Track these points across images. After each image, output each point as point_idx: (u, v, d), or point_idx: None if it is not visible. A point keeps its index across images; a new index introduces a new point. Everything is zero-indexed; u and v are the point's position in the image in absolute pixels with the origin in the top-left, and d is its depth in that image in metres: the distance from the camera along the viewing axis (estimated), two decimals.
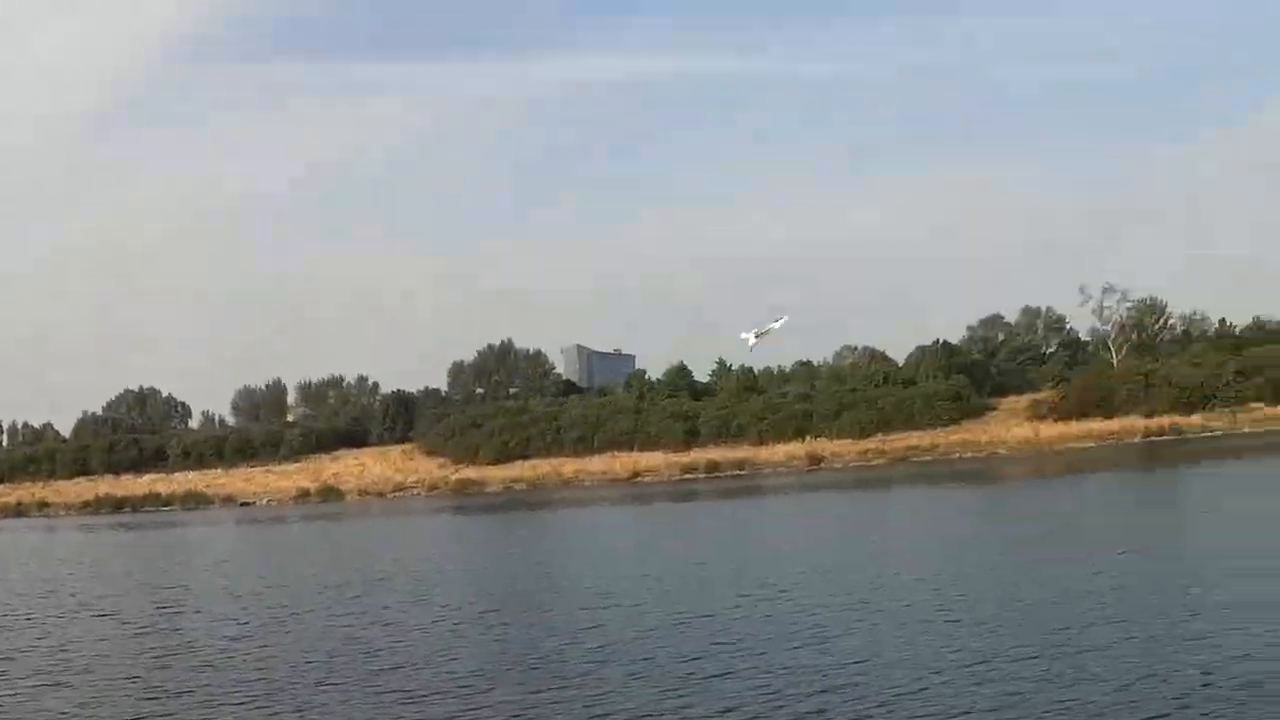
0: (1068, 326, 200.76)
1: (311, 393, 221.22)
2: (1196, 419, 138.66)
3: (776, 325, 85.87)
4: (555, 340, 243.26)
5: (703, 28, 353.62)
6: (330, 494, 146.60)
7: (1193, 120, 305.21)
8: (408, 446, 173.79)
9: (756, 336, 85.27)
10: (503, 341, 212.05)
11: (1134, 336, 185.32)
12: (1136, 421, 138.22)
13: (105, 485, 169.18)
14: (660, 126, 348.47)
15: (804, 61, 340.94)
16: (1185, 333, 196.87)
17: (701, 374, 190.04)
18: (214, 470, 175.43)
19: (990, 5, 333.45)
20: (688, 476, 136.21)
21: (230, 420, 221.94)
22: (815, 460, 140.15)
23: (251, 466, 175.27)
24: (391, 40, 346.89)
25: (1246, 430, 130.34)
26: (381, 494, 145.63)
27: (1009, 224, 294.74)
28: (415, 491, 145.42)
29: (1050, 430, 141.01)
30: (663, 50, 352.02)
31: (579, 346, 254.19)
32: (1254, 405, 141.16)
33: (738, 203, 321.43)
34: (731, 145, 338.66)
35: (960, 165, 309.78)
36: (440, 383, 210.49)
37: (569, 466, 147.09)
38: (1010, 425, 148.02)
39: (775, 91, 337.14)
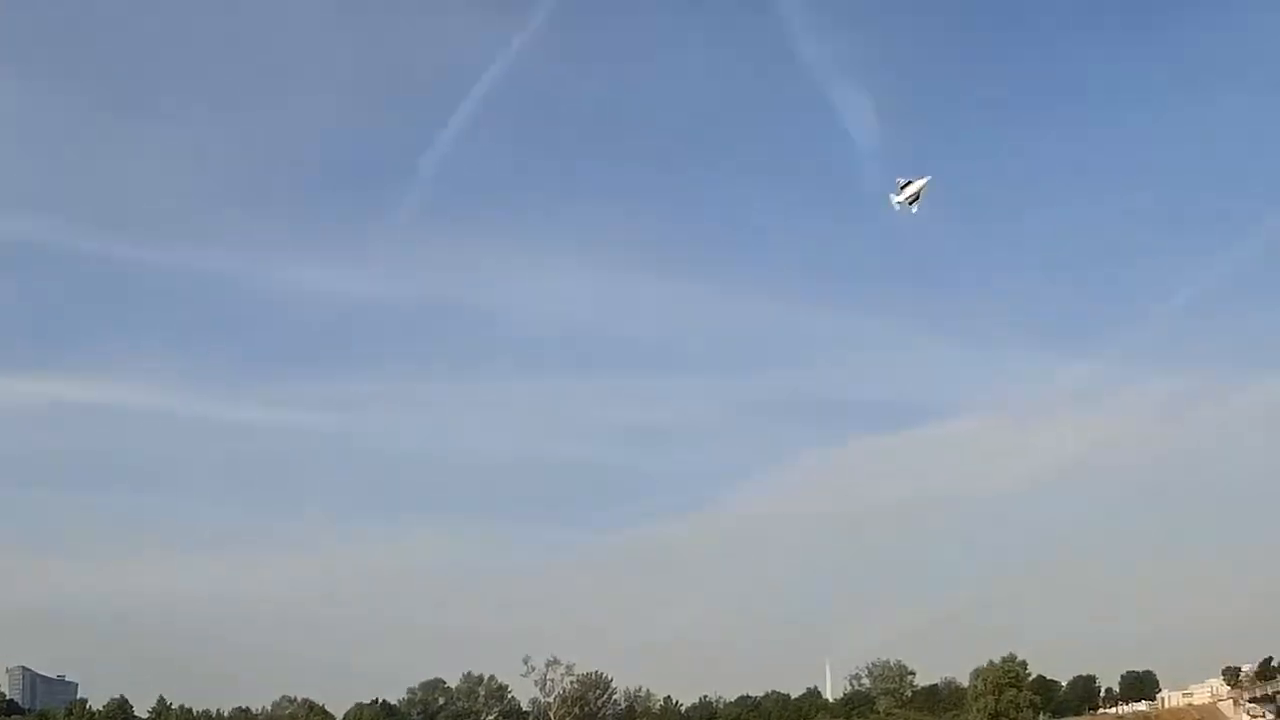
0: (509, 695, 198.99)
1: None
2: None
3: (922, 182, 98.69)
4: (1, 659, 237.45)
5: None
6: None
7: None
8: None
9: (904, 195, 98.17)
10: None
11: (576, 709, 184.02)
12: None
13: None
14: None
15: None
16: (630, 708, 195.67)
17: (143, 709, 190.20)
18: None
19: None
20: None
21: None
22: None
23: None
24: None
25: None
26: None
27: (446, 586, 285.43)
28: None
29: None
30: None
31: (24, 668, 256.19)
32: None
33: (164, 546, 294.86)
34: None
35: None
36: None
37: None
38: None
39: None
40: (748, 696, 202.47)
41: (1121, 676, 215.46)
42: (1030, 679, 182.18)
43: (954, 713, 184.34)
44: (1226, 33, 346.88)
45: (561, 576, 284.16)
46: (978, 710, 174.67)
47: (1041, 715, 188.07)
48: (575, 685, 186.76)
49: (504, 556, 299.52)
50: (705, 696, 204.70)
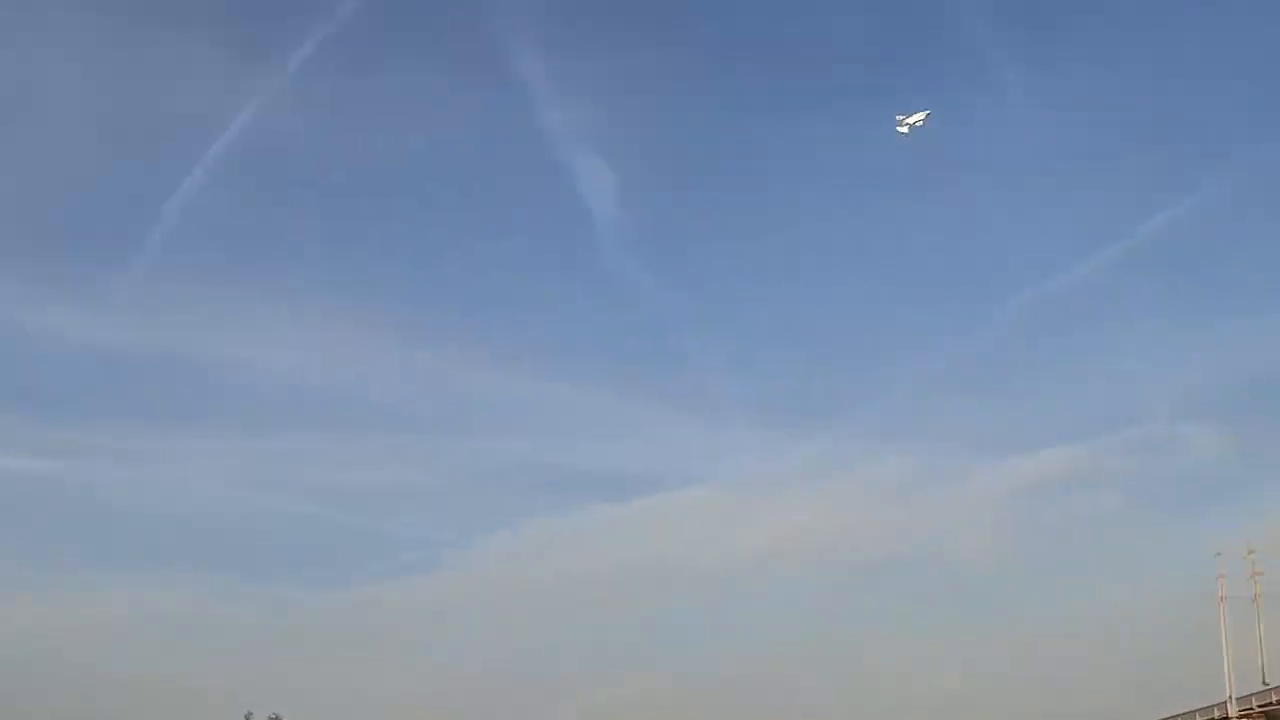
0: None
1: None
2: None
3: (921, 114, 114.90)
4: None
5: None
6: None
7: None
8: None
9: (907, 123, 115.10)
10: None
11: None
12: None
13: None
14: None
15: None
16: None
17: None
18: None
19: None
20: None
21: None
22: None
23: None
24: None
25: None
26: None
27: (169, 640, 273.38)
28: None
29: None
30: None
31: None
32: None
33: None
34: None
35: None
36: None
37: None
38: None
39: None
40: None
41: None
42: None
43: None
44: (963, 126, 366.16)
45: (287, 634, 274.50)
46: None
47: None
48: None
49: (229, 613, 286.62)
50: None
